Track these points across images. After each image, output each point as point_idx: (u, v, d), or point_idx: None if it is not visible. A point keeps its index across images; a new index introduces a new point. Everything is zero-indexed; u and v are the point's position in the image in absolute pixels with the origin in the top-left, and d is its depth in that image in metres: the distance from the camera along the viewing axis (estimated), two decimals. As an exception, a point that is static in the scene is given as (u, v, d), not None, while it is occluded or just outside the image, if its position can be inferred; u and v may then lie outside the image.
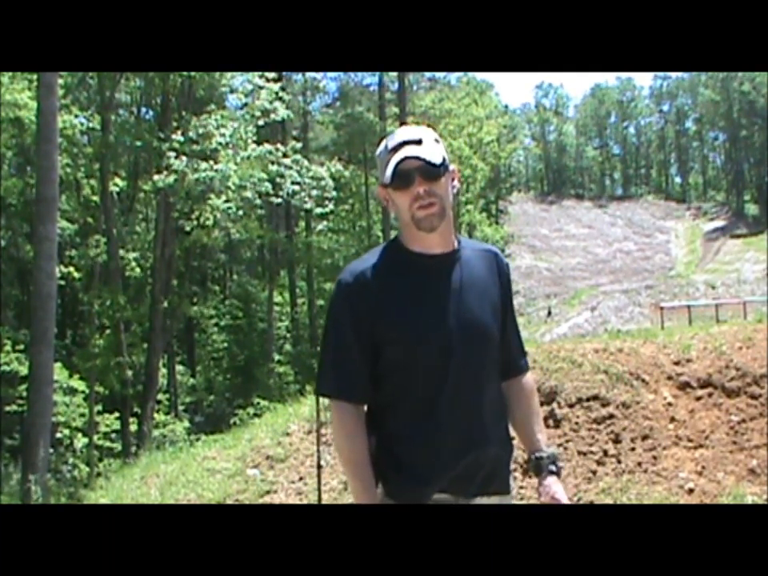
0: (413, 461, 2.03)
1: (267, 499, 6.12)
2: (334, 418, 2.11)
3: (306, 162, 19.07)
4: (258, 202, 18.59)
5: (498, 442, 2.12)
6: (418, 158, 1.99)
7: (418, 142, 2.02)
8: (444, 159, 2.05)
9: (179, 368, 31.23)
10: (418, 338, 2.04)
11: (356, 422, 2.07)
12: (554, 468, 2.15)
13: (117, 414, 21.13)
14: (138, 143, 19.67)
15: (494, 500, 2.08)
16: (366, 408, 2.12)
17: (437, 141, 2.07)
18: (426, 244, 2.08)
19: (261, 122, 18.34)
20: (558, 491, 2.10)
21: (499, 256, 2.23)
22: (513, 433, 2.24)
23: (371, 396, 2.10)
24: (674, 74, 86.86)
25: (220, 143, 17.52)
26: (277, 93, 18.18)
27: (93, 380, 20.11)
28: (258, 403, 19.42)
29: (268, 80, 17.99)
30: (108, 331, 21.60)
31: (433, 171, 2.02)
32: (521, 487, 5.89)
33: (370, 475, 2.03)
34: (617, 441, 6.25)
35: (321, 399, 3.20)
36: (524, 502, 5.67)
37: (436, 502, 1.99)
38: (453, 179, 2.12)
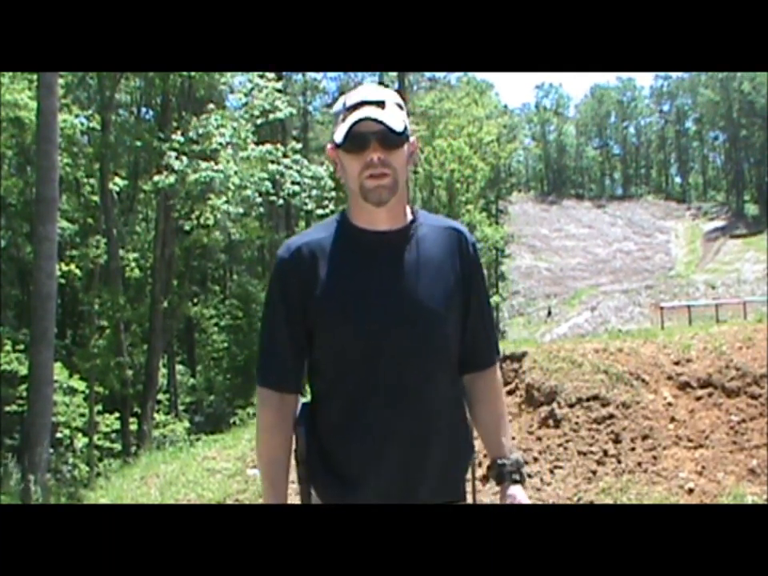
0: (341, 461, 1.85)
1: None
2: (257, 408, 1.94)
3: (306, 162, 19.06)
4: (259, 201, 18.57)
5: (447, 442, 1.90)
6: (377, 120, 1.77)
7: (380, 104, 1.81)
8: (405, 127, 1.84)
9: (179, 368, 31.23)
10: (347, 323, 1.83)
11: (276, 414, 1.88)
12: (517, 477, 1.95)
13: (117, 414, 21.14)
14: (138, 143, 19.68)
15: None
16: (300, 399, 1.94)
17: (400, 106, 1.86)
18: (372, 219, 1.87)
19: (261, 121, 18.33)
20: (522, 501, 1.91)
21: (464, 234, 1.97)
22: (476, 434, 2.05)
23: (299, 386, 1.92)
24: (674, 74, 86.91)
25: (220, 143, 17.52)
26: (279, 90, 18.18)
27: (93, 380, 20.11)
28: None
29: (269, 79, 17.99)
30: (108, 331, 21.61)
31: (391, 138, 1.80)
32: (521, 487, 5.89)
33: (279, 475, 1.88)
34: (617, 441, 6.24)
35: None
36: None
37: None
38: (412, 153, 1.90)
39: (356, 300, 1.84)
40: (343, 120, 1.81)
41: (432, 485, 1.87)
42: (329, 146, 1.89)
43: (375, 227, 1.87)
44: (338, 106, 1.87)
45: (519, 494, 1.91)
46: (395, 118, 1.81)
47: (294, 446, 1.93)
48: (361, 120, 1.77)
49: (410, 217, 1.92)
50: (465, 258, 1.94)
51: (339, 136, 1.80)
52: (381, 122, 1.77)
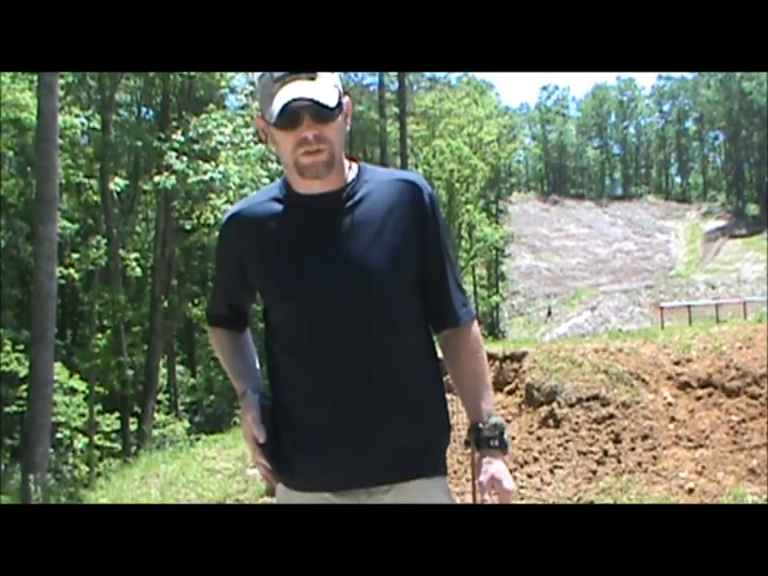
0: (288, 438, 1.79)
1: (267, 499, 6.11)
2: (211, 341, 2.09)
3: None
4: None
5: (410, 415, 1.78)
6: (310, 100, 1.68)
7: (311, 77, 1.72)
8: (339, 96, 1.74)
9: (179, 368, 31.22)
10: (283, 289, 1.78)
11: (224, 333, 2.01)
12: (495, 442, 1.81)
13: (117, 414, 21.13)
14: (139, 143, 19.68)
15: (412, 485, 1.78)
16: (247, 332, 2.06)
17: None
18: (308, 185, 1.80)
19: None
20: (499, 470, 1.78)
21: (417, 185, 1.84)
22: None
23: (240, 325, 2.02)
24: (676, 75, 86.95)
25: (220, 142, 17.52)
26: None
27: (93, 380, 20.11)
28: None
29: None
30: (108, 331, 21.61)
31: (325, 113, 1.71)
32: (521, 487, 5.89)
33: (234, 359, 1.97)
34: (617, 441, 6.25)
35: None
36: (524, 502, 5.66)
37: (316, 500, 1.76)
38: (347, 115, 1.80)
39: (289, 266, 1.78)
40: (272, 94, 1.71)
41: (389, 464, 1.76)
42: (257, 117, 1.82)
43: (311, 191, 1.80)
44: (264, 74, 1.76)
45: (496, 465, 1.79)
46: (327, 91, 1.71)
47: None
48: (292, 101, 1.68)
49: (351, 176, 1.84)
50: (418, 210, 1.82)
51: (270, 114, 1.71)
52: (314, 101, 1.68)
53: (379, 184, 1.83)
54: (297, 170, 1.76)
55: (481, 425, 1.83)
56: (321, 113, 1.71)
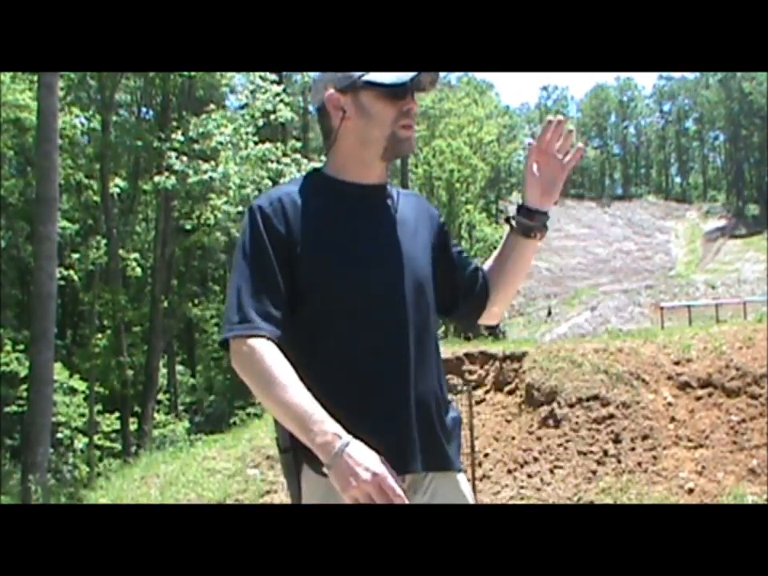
0: (347, 419, 1.58)
1: (267, 499, 6.12)
2: (244, 362, 1.64)
3: (305, 162, 19.06)
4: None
5: (444, 410, 1.79)
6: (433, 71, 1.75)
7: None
8: None
9: (179, 368, 31.24)
10: (350, 279, 1.69)
11: (271, 347, 1.61)
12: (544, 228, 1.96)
13: (117, 414, 21.14)
14: (139, 143, 19.68)
15: (453, 476, 1.78)
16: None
17: None
18: (367, 173, 1.77)
19: (261, 122, 18.34)
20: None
21: (424, 200, 1.97)
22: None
23: (288, 319, 1.67)
24: (676, 75, 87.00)
25: (220, 142, 17.53)
26: (278, 94, 18.17)
27: (93, 380, 20.12)
28: (259, 403, 19.36)
29: (272, 82, 17.98)
30: (108, 331, 21.61)
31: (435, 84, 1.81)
32: (521, 487, 5.89)
33: (307, 395, 1.57)
34: (617, 441, 6.25)
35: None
36: (524, 501, 5.66)
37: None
38: None
39: (347, 253, 1.71)
40: (352, 85, 1.72)
41: (429, 452, 1.73)
42: (330, 92, 1.73)
43: (363, 180, 1.77)
44: (345, 74, 1.75)
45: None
46: None
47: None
48: (421, 73, 1.72)
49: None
50: (432, 219, 1.90)
51: (391, 77, 1.70)
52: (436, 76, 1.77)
53: (400, 192, 1.88)
54: (390, 142, 1.73)
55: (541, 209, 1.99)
56: (435, 79, 1.78)
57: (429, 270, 1.81)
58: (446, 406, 1.82)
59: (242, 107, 19.24)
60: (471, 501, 1.85)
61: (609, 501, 5.56)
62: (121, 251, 20.91)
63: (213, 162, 17.36)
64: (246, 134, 17.76)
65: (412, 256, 1.77)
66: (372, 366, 1.69)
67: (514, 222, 1.97)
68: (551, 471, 6.07)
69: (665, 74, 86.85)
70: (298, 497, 1.76)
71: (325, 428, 1.54)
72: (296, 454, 1.70)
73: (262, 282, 1.67)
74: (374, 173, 1.79)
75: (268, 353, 1.61)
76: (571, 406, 6.55)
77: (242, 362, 1.65)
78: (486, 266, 2.01)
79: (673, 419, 6.43)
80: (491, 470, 6.10)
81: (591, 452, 6.18)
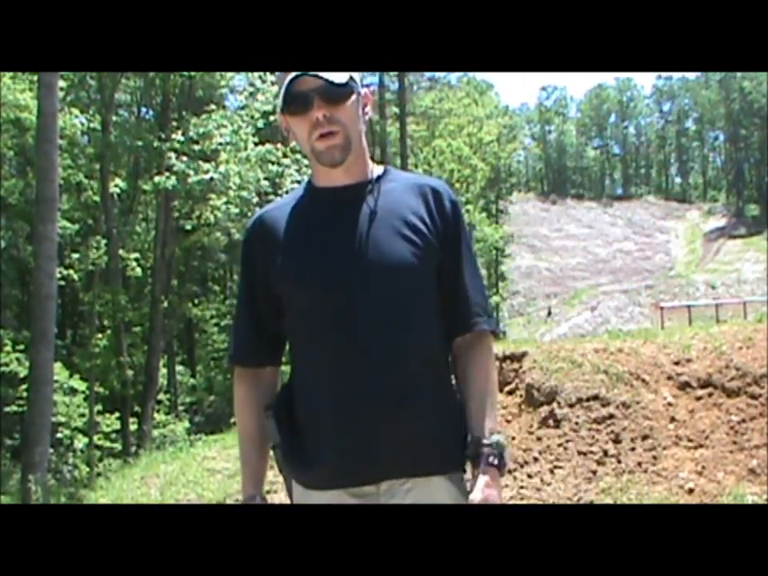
0: (301, 433, 1.76)
1: (267, 499, 6.12)
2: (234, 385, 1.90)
3: (306, 162, 19.06)
4: (255, 201, 18.58)
5: (429, 409, 1.75)
6: (316, 75, 1.67)
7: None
8: (351, 78, 1.73)
9: (179, 368, 31.21)
10: (301, 279, 1.74)
11: (246, 390, 1.85)
12: (495, 460, 1.75)
13: (117, 414, 21.12)
14: (139, 143, 19.67)
15: (435, 481, 1.77)
16: (275, 374, 1.89)
17: None
18: (331, 177, 1.78)
19: (262, 123, 18.34)
20: (493, 495, 1.73)
21: (440, 191, 1.82)
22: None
23: (265, 360, 1.86)
24: (676, 75, 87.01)
25: (220, 143, 17.53)
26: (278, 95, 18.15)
27: (93, 380, 20.11)
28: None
29: (272, 83, 17.98)
30: (108, 331, 21.61)
31: (334, 92, 1.68)
32: (521, 487, 5.89)
33: (251, 452, 1.85)
34: (617, 441, 6.25)
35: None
36: (524, 501, 5.67)
37: (334, 499, 1.71)
38: (365, 105, 1.80)
39: (313, 260, 1.74)
40: (283, 85, 1.72)
41: (405, 460, 1.73)
42: (279, 115, 1.78)
43: (333, 184, 1.79)
44: (277, 73, 1.77)
45: (492, 484, 1.73)
46: (335, 73, 1.69)
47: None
48: (297, 77, 1.67)
49: (376, 173, 1.83)
50: (441, 215, 1.80)
51: (281, 100, 1.71)
52: (320, 77, 1.66)
53: (403, 184, 1.84)
54: (314, 156, 1.75)
55: (484, 440, 1.76)
56: (329, 91, 1.68)
57: (415, 264, 1.74)
58: (442, 399, 1.80)
59: (241, 108, 19.23)
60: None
61: (609, 501, 5.55)
62: (121, 251, 20.90)
63: (213, 163, 17.36)
64: (246, 134, 17.76)
65: (386, 249, 1.73)
66: (333, 370, 1.73)
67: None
68: (551, 471, 6.07)
69: (665, 74, 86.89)
70: (290, 489, 1.89)
71: (243, 482, 1.93)
72: (281, 452, 1.84)
73: (244, 310, 1.88)
74: (338, 177, 1.78)
75: (239, 389, 1.89)
76: (571, 406, 6.55)
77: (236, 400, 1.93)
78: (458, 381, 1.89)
79: (673, 419, 6.43)
80: (491, 470, 6.09)
81: (591, 452, 6.18)
